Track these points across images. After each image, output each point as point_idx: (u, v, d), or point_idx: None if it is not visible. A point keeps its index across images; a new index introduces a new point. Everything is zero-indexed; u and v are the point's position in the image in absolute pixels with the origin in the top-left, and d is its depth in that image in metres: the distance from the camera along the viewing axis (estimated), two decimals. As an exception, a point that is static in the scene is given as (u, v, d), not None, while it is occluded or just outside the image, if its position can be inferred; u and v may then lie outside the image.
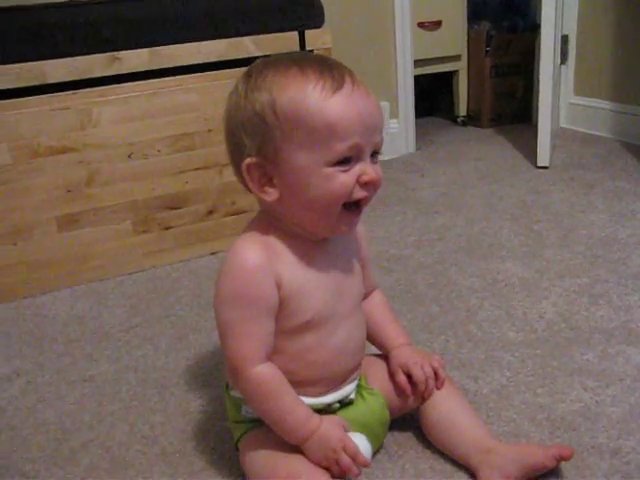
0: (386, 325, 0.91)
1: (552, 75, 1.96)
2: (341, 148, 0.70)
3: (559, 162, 2.07)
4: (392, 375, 0.87)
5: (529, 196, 1.80)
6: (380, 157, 0.76)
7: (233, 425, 0.85)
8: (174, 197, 1.53)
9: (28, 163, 1.38)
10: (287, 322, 0.77)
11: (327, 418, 0.77)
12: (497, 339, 1.12)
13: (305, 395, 0.79)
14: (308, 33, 1.59)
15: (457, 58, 2.59)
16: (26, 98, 1.36)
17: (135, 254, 1.52)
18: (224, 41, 1.51)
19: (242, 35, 1.53)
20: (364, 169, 0.72)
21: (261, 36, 1.54)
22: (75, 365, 1.16)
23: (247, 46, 1.53)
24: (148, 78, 1.46)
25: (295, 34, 1.58)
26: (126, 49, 1.43)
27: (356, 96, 0.71)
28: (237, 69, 1.45)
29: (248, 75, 0.75)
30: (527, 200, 1.77)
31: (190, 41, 1.48)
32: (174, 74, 1.48)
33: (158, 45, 1.45)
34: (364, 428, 0.81)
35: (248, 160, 0.73)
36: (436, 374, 0.86)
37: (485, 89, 2.59)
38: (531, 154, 2.09)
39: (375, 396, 0.85)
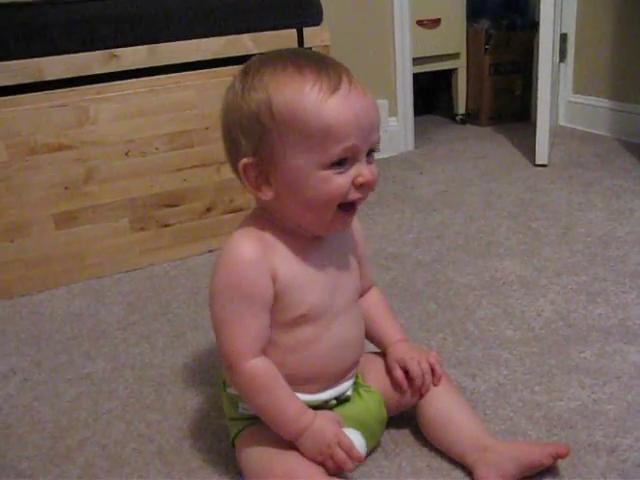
0: (383, 322, 0.91)
1: (551, 73, 1.96)
2: (337, 150, 0.71)
3: (558, 160, 2.07)
4: (389, 371, 0.87)
5: (527, 194, 1.80)
6: (379, 155, 0.76)
7: (230, 423, 0.85)
8: (172, 195, 1.53)
9: (25, 160, 1.38)
10: (283, 315, 0.77)
11: (321, 413, 0.77)
12: (495, 337, 1.12)
13: (302, 392, 0.79)
14: (306, 31, 1.59)
15: (456, 56, 2.59)
16: (23, 95, 1.36)
17: (132, 252, 1.52)
18: (222, 38, 1.51)
19: (240, 32, 1.52)
20: (360, 171, 0.73)
21: (259, 33, 1.54)
22: (72, 363, 1.16)
23: (245, 43, 1.53)
24: (146, 75, 1.45)
25: (293, 32, 1.58)
26: (124, 46, 1.42)
27: (353, 97, 0.71)
28: (235, 66, 1.42)
29: (245, 73, 0.75)
30: (525, 198, 1.77)
31: (188, 38, 1.48)
32: (172, 71, 1.47)
33: (156, 42, 1.45)
34: (361, 425, 0.82)
35: (244, 160, 0.73)
36: (433, 370, 0.86)
37: (484, 87, 2.59)
38: (530, 152, 2.09)
39: (372, 393, 0.85)
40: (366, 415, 0.83)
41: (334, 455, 0.74)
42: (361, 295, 0.89)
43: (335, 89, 0.70)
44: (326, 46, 1.61)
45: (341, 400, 0.84)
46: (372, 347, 0.93)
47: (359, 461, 0.76)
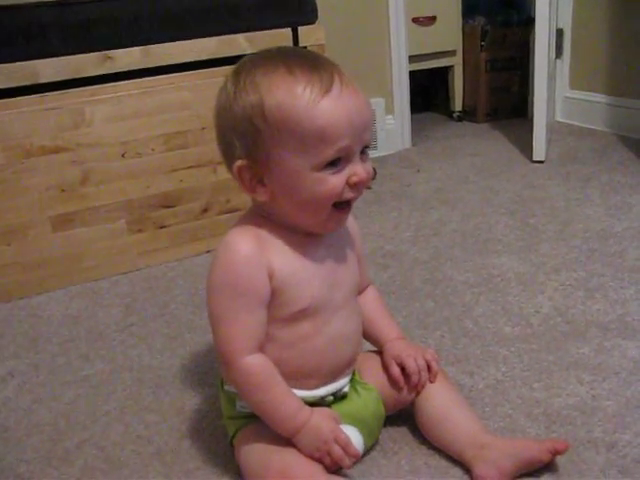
0: (380, 320, 0.91)
1: (547, 69, 1.96)
2: (331, 152, 0.71)
3: (555, 156, 2.07)
4: (386, 367, 0.87)
5: (525, 190, 1.80)
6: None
7: (228, 421, 0.85)
8: (168, 196, 1.52)
9: (21, 163, 1.37)
10: (280, 311, 0.77)
11: (318, 410, 0.77)
12: (493, 334, 1.12)
13: (299, 388, 0.79)
14: (301, 29, 1.59)
15: (452, 53, 2.58)
16: (18, 98, 1.35)
17: (130, 253, 1.52)
18: (216, 38, 1.51)
19: (235, 32, 1.52)
20: (354, 170, 0.73)
21: (254, 33, 1.53)
22: (70, 365, 1.16)
23: (240, 43, 1.52)
24: (140, 77, 1.45)
25: (288, 30, 1.57)
26: (118, 48, 1.42)
27: (345, 97, 0.71)
28: (230, 67, 1.44)
29: (237, 73, 0.75)
30: (523, 194, 1.77)
31: (182, 39, 1.48)
32: (167, 72, 1.47)
33: (150, 43, 1.45)
34: (359, 423, 0.82)
35: (239, 163, 0.74)
36: (429, 367, 0.86)
37: (480, 84, 2.58)
38: (527, 148, 2.09)
39: (369, 391, 0.85)
40: (363, 412, 0.83)
41: (331, 452, 0.74)
42: (358, 294, 0.89)
43: (327, 90, 0.70)
44: (321, 45, 1.61)
45: (338, 397, 0.84)
46: (370, 346, 0.93)
47: (356, 457, 0.76)
